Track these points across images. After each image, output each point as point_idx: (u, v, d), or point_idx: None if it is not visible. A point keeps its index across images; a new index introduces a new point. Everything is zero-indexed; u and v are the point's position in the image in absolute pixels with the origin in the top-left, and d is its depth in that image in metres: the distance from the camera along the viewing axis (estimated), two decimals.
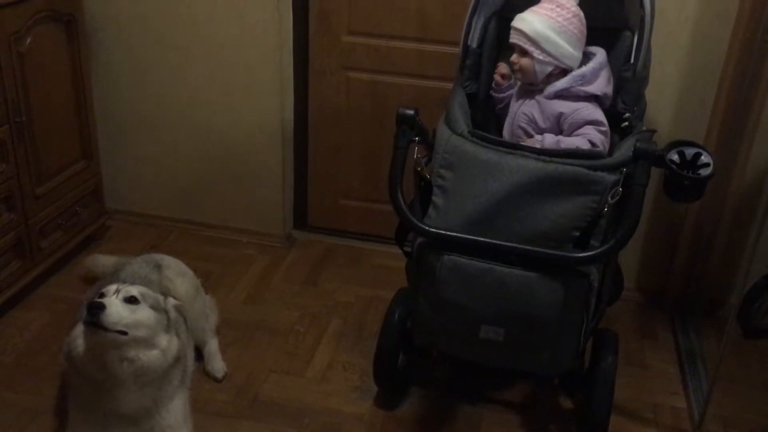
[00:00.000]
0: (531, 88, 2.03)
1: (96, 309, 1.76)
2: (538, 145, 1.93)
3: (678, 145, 1.80)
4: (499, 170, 1.77)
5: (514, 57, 2.01)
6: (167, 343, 1.89)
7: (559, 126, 1.99)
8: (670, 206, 2.61)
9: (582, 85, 1.95)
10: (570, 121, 1.96)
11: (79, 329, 1.86)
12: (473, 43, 2.13)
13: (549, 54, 1.94)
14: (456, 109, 1.96)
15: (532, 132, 2.03)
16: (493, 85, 2.15)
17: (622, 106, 2.01)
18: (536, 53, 1.95)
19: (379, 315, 2.49)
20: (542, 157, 1.77)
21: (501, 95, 2.14)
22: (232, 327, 2.56)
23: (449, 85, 2.19)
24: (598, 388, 2.03)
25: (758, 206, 2.53)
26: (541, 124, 2.01)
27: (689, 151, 1.79)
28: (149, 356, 1.84)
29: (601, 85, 1.97)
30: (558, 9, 1.94)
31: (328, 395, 2.30)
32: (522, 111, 2.04)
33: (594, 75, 1.96)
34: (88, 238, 2.94)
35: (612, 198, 1.75)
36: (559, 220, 1.76)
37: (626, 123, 1.99)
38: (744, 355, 2.54)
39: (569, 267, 1.78)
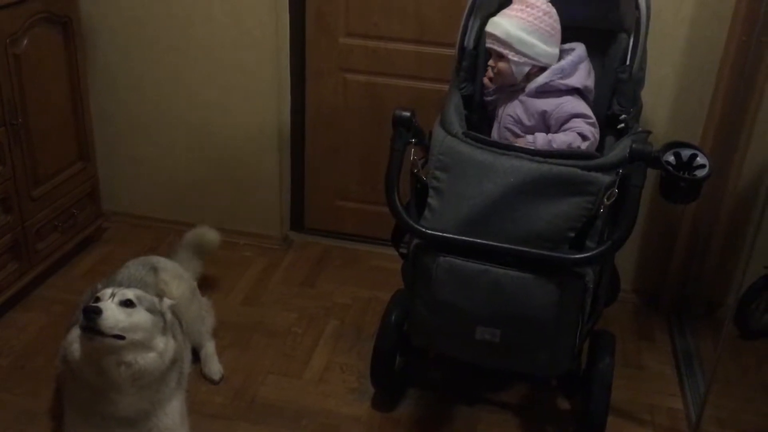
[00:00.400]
0: (513, 89, 2.05)
1: (92, 313, 1.74)
2: (531, 146, 1.93)
3: (674, 146, 1.81)
4: (493, 171, 1.78)
5: (491, 61, 2.03)
6: (164, 346, 1.88)
7: (545, 124, 2.00)
8: (666, 208, 2.61)
9: (562, 78, 1.97)
10: (555, 116, 1.98)
11: (75, 333, 1.85)
12: (469, 44, 2.14)
13: (524, 54, 1.96)
14: (451, 111, 1.96)
15: (519, 132, 2.04)
16: (482, 89, 2.16)
17: (618, 108, 2.02)
18: (511, 55, 1.97)
19: (376, 316, 2.49)
20: (536, 158, 1.78)
21: (489, 98, 2.15)
22: (229, 329, 2.56)
23: (446, 87, 2.20)
24: (595, 389, 2.03)
25: (755, 207, 2.54)
26: (527, 122, 2.02)
27: (685, 153, 1.80)
28: (146, 359, 1.83)
29: (581, 78, 1.98)
30: (528, 9, 1.96)
31: (326, 397, 2.30)
32: (506, 113, 2.06)
33: (573, 68, 1.98)
34: (85, 240, 2.94)
35: (608, 199, 1.75)
36: (554, 220, 1.76)
37: (622, 124, 1.99)
38: (741, 356, 2.54)
39: (565, 268, 1.78)
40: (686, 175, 1.78)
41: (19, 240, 2.53)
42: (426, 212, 1.87)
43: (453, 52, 2.19)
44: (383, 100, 2.85)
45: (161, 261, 2.35)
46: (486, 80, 2.12)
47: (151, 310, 1.88)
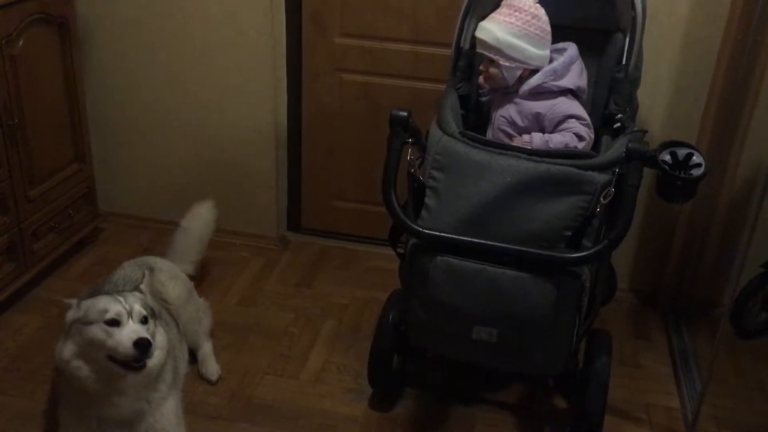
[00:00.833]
0: (506, 91, 2.05)
1: (147, 346, 1.73)
2: (528, 146, 1.93)
3: (670, 145, 1.81)
4: (490, 171, 1.78)
5: (482, 66, 2.03)
6: (162, 338, 1.89)
7: (539, 125, 2.01)
8: (662, 207, 2.60)
9: (554, 80, 1.98)
10: (549, 117, 1.98)
11: (70, 349, 1.79)
12: (465, 44, 2.14)
13: (514, 59, 1.97)
14: (447, 111, 1.97)
15: (513, 133, 2.04)
16: (478, 89, 2.16)
17: (614, 107, 2.03)
18: (501, 60, 1.97)
19: (373, 316, 2.49)
20: (533, 158, 1.78)
21: (485, 99, 2.16)
22: (226, 329, 2.55)
23: (443, 87, 2.20)
24: (592, 388, 2.03)
25: (750, 206, 2.54)
26: (520, 123, 2.02)
27: (681, 152, 1.80)
28: (153, 360, 1.83)
29: (574, 78, 1.99)
30: (516, 13, 1.96)
31: (323, 397, 2.30)
32: (500, 114, 2.06)
33: (565, 69, 1.98)
34: (81, 241, 2.94)
35: (604, 198, 1.76)
36: (550, 220, 1.77)
37: (618, 123, 1.99)
38: (737, 355, 2.54)
39: (561, 268, 1.78)
40: (682, 174, 1.78)
41: (16, 241, 2.53)
42: (423, 212, 1.87)
43: (449, 51, 2.20)
44: (380, 100, 2.85)
45: (158, 261, 2.36)
46: (482, 80, 2.13)
47: (152, 311, 1.88)
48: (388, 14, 2.74)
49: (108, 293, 1.91)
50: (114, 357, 1.77)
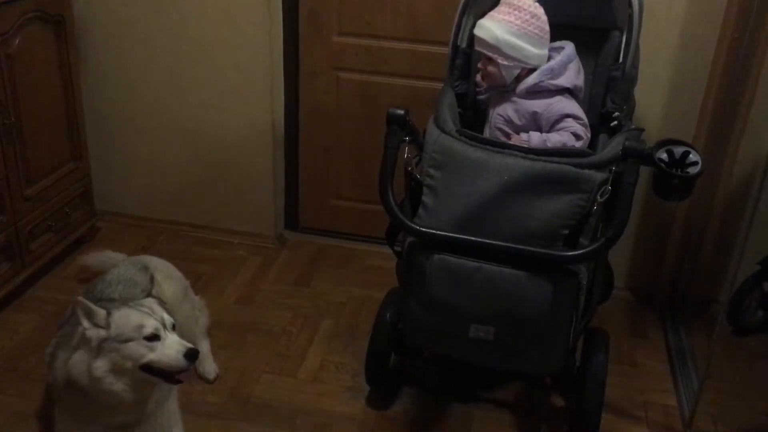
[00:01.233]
0: (504, 90, 2.05)
1: (196, 356, 1.75)
2: (525, 144, 1.93)
3: (667, 143, 1.81)
4: (487, 169, 1.78)
5: (481, 64, 2.03)
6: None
7: (536, 124, 2.01)
8: (659, 205, 2.62)
9: (551, 78, 1.98)
10: (546, 116, 1.98)
11: (81, 358, 1.75)
12: (463, 42, 2.14)
13: (513, 58, 1.97)
14: (445, 109, 1.96)
15: (510, 131, 2.04)
16: (475, 88, 2.16)
17: (611, 105, 2.03)
18: (500, 59, 1.97)
19: (371, 315, 2.49)
20: (530, 156, 1.78)
21: (482, 97, 2.16)
22: (223, 328, 2.55)
23: (441, 86, 2.20)
24: (589, 386, 2.04)
25: (747, 204, 2.55)
26: (517, 122, 2.02)
27: (678, 150, 1.80)
28: None
29: (571, 78, 1.99)
30: (516, 12, 1.96)
31: (321, 396, 2.30)
32: (497, 113, 2.06)
33: (562, 68, 1.98)
34: (78, 240, 2.93)
35: (601, 196, 1.76)
36: (548, 218, 1.77)
37: (615, 122, 1.99)
38: (734, 352, 2.55)
39: (558, 266, 1.78)
40: (679, 173, 1.79)
41: (12, 240, 2.52)
42: (420, 210, 1.87)
43: (447, 50, 2.19)
44: (377, 99, 2.85)
45: (153, 260, 2.34)
46: (479, 78, 2.13)
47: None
48: (385, 12, 2.74)
49: (124, 303, 1.85)
50: (150, 367, 1.75)
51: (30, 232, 2.61)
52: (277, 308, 2.70)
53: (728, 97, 2.43)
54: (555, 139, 1.95)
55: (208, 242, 3.07)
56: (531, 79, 1.99)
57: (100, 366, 1.74)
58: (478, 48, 2.03)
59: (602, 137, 2.01)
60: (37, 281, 2.73)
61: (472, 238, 1.76)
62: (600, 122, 2.06)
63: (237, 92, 2.85)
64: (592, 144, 2.01)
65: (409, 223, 1.83)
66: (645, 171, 1.84)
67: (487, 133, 2.10)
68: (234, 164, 2.98)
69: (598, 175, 1.77)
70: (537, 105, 2.00)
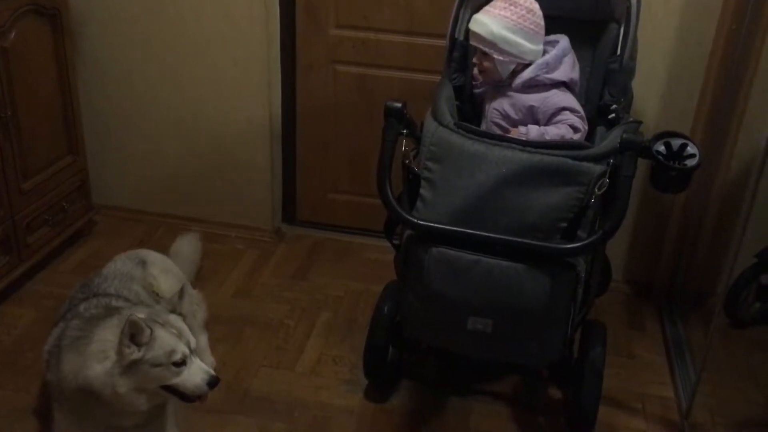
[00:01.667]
0: (500, 85, 2.05)
1: (217, 383, 1.80)
2: (523, 137, 1.93)
3: (664, 136, 1.81)
4: (485, 162, 1.78)
5: (476, 59, 2.03)
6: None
7: (533, 118, 2.01)
8: (657, 198, 2.62)
9: (547, 72, 1.98)
10: (543, 110, 1.99)
11: (129, 385, 1.75)
12: (460, 35, 2.13)
13: (508, 53, 1.97)
14: (442, 102, 1.96)
15: (507, 126, 2.04)
16: (472, 81, 2.16)
17: (609, 98, 2.02)
18: (496, 54, 1.97)
19: (368, 308, 2.49)
20: (528, 149, 1.78)
21: (479, 90, 2.15)
22: (221, 322, 2.55)
23: (438, 78, 2.19)
24: (586, 378, 2.04)
25: (744, 197, 2.55)
26: (514, 116, 2.02)
27: (675, 142, 1.80)
28: None
29: (567, 71, 1.99)
30: (511, 7, 1.96)
31: (319, 389, 2.30)
32: (493, 107, 2.06)
33: (557, 61, 1.98)
34: (76, 233, 2.93)
35: (599, 189, 1.76)
36: (546, 211, 1.77)
37: (613, 114, 1.99)
38: (731, 344, 2.56)
39: (556, 258, 1.78)
40: (676, 165, 1.79)
41: (9, 234, 2.52)
42: (418, 203, 1.87)
43: (444, 43, 2.19)
44: (374, 92, 2.85)
45: (150, 254, 2.33)
46: (476, 72, 2.12)
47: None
48: (382, 5, 2.73)
49: (153, 320, 1.80)
50: (170, 387, 1.78)
51: (27, 226, 2.61)
52: (274, 302, 2.70)
53: (726, 89, 2.43)
54: (553, 132, 1.95)
55: (206, 236, 3.06)
56: (527, 74, 1.99)
57: (125, 384, 1.74)
58: (473, 43, 2.03)
59: (600, 130, 2.01)
60: (35, 275, 2.72)
61: (470, 231, 1.76)
62: (598, 115, 2.06)
63: (234, 86, 2.85)
64: (590, 137, 2.01)
65: (407, 216, 1.83)
66: (643, 163, 1.84)
67: (483, 128, 2.10)
68: (231, 158, 2.98)
69: (596, 168, 1.77)
70: (533, 99, 2.00)
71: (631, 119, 2.00)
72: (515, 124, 2.03)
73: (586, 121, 1.99)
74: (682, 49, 2.49)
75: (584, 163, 1.76)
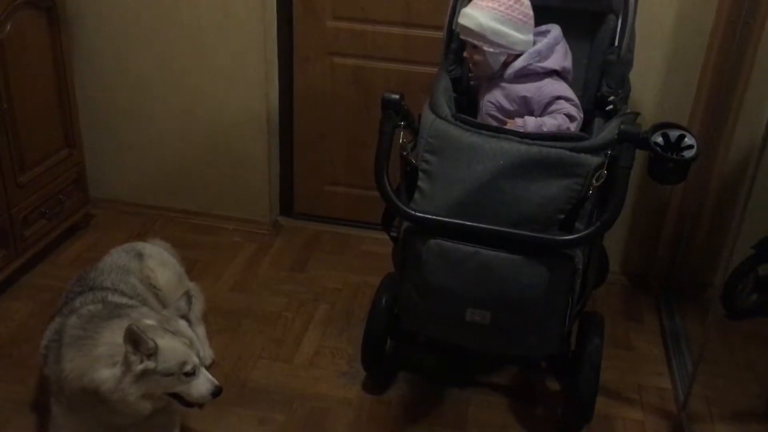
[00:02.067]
0: (493, 76, 2.05)
1: (220, 393, 1.82)
2: (521, 129, 1.93)
3: (662, 127, 1.81)
4: (483, 154, 1.78)
5: (466, 53, 2.03)
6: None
7: (527, 108, 2.00)
8: (654, 189, 2.62)
9: (539, 61, 1.98)
10: (537, 100, 1.98)
11: (139, 392, 1.74)
12: (457, 27, 2.12)
13: (498, 45, 1.96)
14: (440, 94, 1.96)
15: (502, 117, 2.04)
16: (469, 73, 2.16)
17: (607, 89, 2.02)
18: (486, 47, 1.97)
19: (366, 300, 2.49)
20: (525, 140, 1.78)
21: (474, 83, 2.15)
22: (219, 314, 2.55)
23: (435, 70, 2.19)
24: (584, 370, 2.04)
25: (741, 188, 2.55)
26: (508, 107, 2.02)
27: (673, 134, 1.80)
28: None
29: (559, 59, 1.99)
30: None
31: (317, 380, 2.31)
32: (488, 100, 2.06)
33: (549, 50, 1.98)
34: (72, 227, 2.92)
35: (596, 181, 1.76)
36: (543, 203, 1.77)
37: (611, 106, 1.99)
38: (728, 336, 2.56)
39: (554, 250, 1.78)
40: (674, 156, 1.79)
41: (6, 227, 2.51)
42: (416, 195, 1.87)
43: (441, 35, 2.18)
44: (371, 84, 2.84)
45: (146, 247, 2.32)
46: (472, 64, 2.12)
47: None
48: None
49: (163, 329, 1.80)
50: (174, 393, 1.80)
51: (24, 219, 2.60)
52: (272, 294, 2.70)
53: (724, 80, 2.42)
54: (550, 122, 1.95)
55: (203, 229, 3.06)
56: (518, 63, 1.98)
57: (135, 392, 1.74)
58: (463, 36, 2.02)
59: (598, 121, 2.00)
60: (32, 268, 2.72)
61: (468, 223, 1.76)
62: (595, 106, 2.05)
63: (231, 78, 2.84)
64: (588, 128, 2.01)
65: (405, 208, 1.83)
66: (640, 155, 1.84)
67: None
68: (228, 150, 2.97)
69: (594, 160, 1.77)
70: (526, 89, 1.99)
71: (629, 110, 2.00)
72: (510, 115, 2.03)
73: (581, 109, 1.99)
74: (680, 40, 2.49)
75: (582, 155, 1.76)
